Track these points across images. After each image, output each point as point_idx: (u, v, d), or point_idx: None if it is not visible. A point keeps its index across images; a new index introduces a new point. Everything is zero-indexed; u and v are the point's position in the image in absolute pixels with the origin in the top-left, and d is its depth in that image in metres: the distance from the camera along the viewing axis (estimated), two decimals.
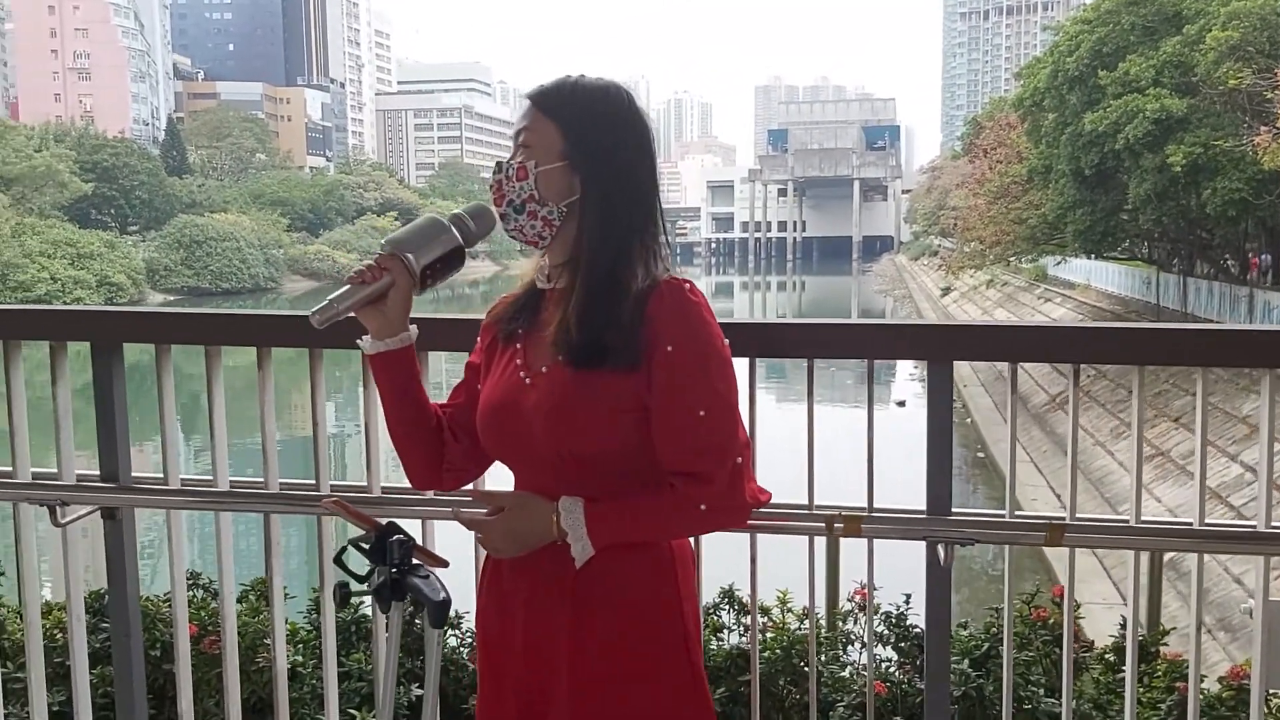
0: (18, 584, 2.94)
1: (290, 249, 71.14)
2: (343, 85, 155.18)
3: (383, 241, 1.92)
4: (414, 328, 1.97)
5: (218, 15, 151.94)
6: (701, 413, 1.78)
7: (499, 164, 1.88)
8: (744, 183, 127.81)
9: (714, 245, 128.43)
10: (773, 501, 2.31)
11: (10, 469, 2.70)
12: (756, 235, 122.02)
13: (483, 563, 2.01)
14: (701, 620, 2.00)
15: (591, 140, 1.82)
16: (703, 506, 1.81)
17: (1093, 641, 3.15)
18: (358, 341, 1.97)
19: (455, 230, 1.91)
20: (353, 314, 1.92)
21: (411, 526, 2.02)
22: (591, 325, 1.79)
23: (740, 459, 1.83)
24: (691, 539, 2.07)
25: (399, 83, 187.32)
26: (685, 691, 1.89)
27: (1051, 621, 3.07)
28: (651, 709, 1.86)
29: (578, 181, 1.83)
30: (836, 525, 2.31)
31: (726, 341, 1.85)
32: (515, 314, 1.94)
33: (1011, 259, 35.31)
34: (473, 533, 2.01)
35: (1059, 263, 36.11)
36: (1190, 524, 2.27)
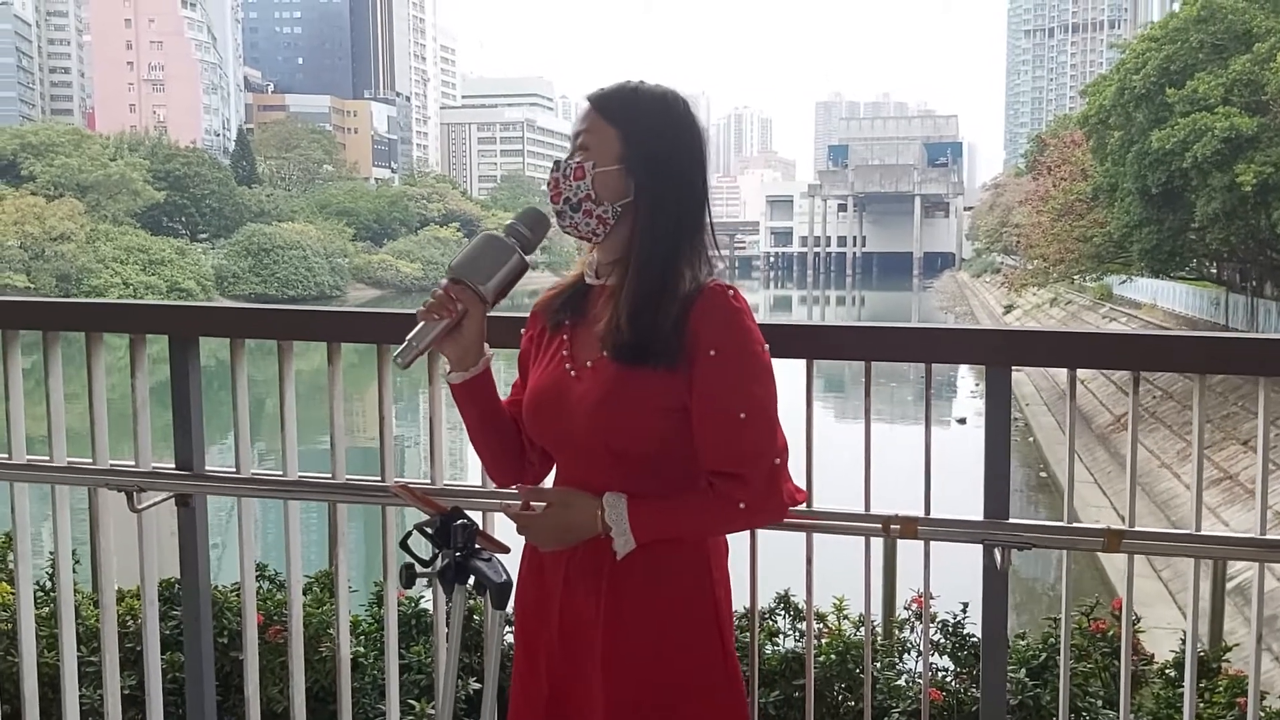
0: (92, 570, 3.03)
1: (355, 258, 72.25)
2: (408, 99, 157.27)
3: (449, 268, 1.95)
4: (488, 347, 2.02)
5: (288, 30, 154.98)
6: (741, 415, 1.83)
7: (557, 162, 1.93)
8: (804, 197, 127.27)
9: (772, 259, 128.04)
10: (830, 506, 2.35)
11: (89, 459, 2.80)
12: (816, 250, 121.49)
13: (524, 545, 2.07)
14: (752, 607, 2.04)
15: (648, 146, 1.88)
16: (742, 505, 1.86)
17: (1152, 655, 3.12)
18: (442, 376, 2.01)
19: (516, 244, 1.94)
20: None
21: (473, 519, 2.07)
22: (640, 324, 1.84)
23: (778, 460, 1.88)
24: (733, 536, 2.10)
25: (463, 97, 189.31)
26: (716, 671, 1.94)
27: (1110, 634, 3.04)
28: (682, 688, 1.92)
29: (632, 185, 1.88)
30: (893, 527, 2.32)
31: (767, 347, 1.90)
32: (563, 305, 2.00)
33: (1075, 277, 34.85)
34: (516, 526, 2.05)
35: (1124, 282, 35.56)
36: (1251, 535, 2.25)
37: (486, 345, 2.01)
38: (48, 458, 2.82)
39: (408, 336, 1.95)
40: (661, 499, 1.88)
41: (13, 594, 3.00)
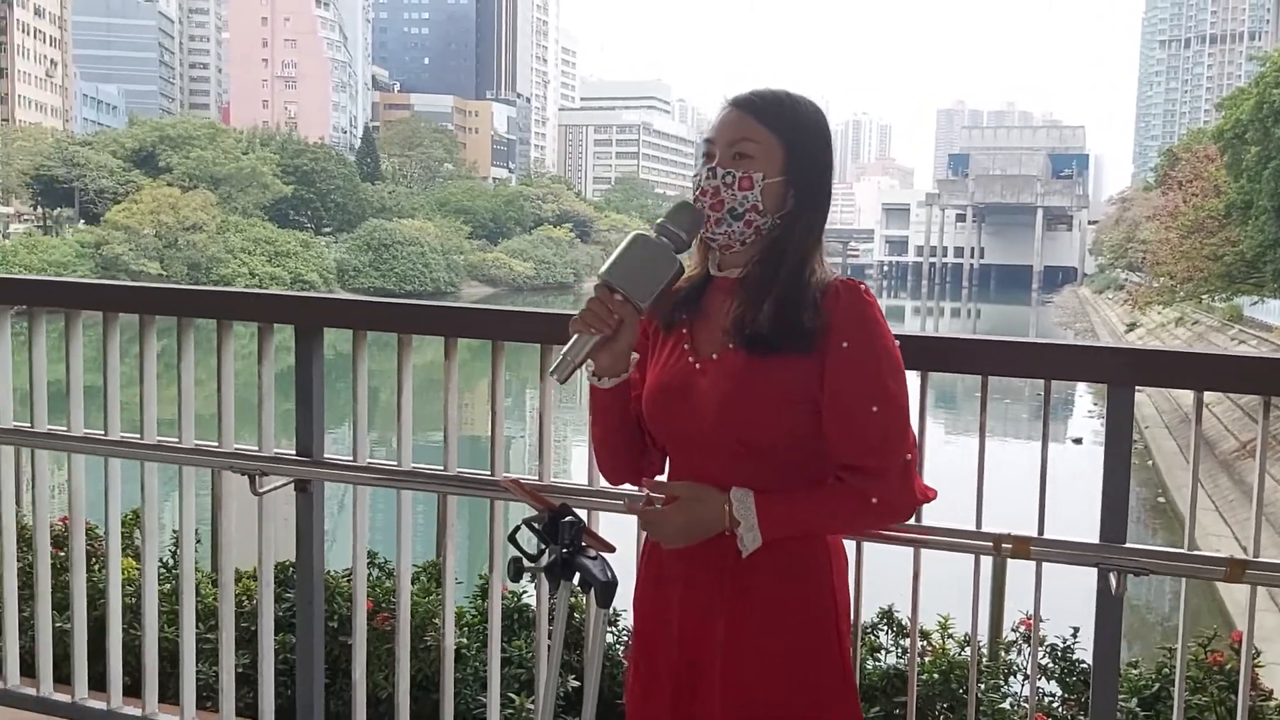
0: (212, 550, 3.14)
1: (470, 255, 73.49)
2: (528, 100, 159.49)
3: (603, 275, 1.86)
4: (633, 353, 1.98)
5: (415, 30, 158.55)
6: (874, 409, 1.82)
7: (712, 170, 1.88)
8: (921, 206, 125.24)
9: (886, 268, 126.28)
10: (938, 522, 2.31)
11: (214, 442, 2.91)
12: (931, 260, 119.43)
13: (643, 544, 2.07)
14: (852, 619, 2.04)
15: (808, 159, 1.89)
16: (874, 500, 1.84)
17: (1271, 690, 3.00)
18: (590, 380, 1.97)
19: (672, 247, 1.87)
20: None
21: (580, 516, 2.09)
22: (772, 316, 1.84)
23: (910, 456, 1.87)
24: (850, 543, 2.09)
25: (582, 99, 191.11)
26: (835, 678, 1.93)
27: (1228, 667, 2.93)
28: (802, 693, 1.90)
29: (791, 195, 1.89)
30: (1005, 545, 2.27)
31: (897, 343, 1.88)
32: (677, 304, 1.97)
33: (1204, 297, 33.68)
34: (639, 521, 2.05)
35: (1255, 303, 34.20)
36: None
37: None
38: (176, 439, 2.93)
39: (563, 351, 1.90)
40: (790, 494, 1.87)
41: (138, 570, 3.13)
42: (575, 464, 2.69)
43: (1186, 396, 2.40)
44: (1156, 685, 2.92)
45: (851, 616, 2.15)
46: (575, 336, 1.89)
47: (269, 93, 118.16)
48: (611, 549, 1.98)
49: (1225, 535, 16.41)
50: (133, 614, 3.16)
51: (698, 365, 1.92)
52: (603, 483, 2.55)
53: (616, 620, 3.40)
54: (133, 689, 3.12)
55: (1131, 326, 48.11)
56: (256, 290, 3.60)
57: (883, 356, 1.84)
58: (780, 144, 1.87)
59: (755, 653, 1.89)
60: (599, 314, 1.87)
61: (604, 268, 1.87)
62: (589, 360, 1.92)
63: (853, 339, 1.83)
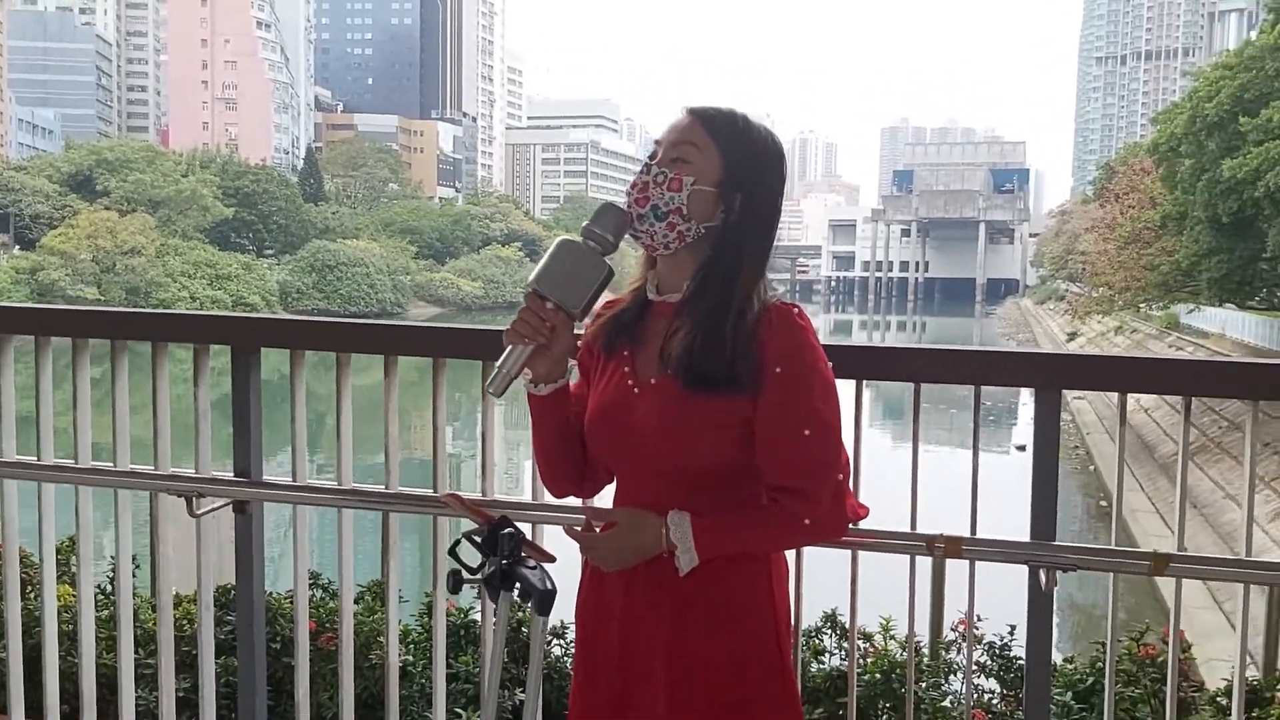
0: (151, 575, 3.11)
1: (417, 275, 73.09)
2: (474, 119, 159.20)
3: (533, 281, 1.86)
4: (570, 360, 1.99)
5: (359, 51, 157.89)
6: (806, 432, 1.83)
7: (648, 166, 1.89)
8: (867, 222, 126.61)
9: (834, 283, 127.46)
10: (878, 525, 2.36)
11: (151, 466, 2.88)
12: (878, 275, 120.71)
13: (584, 562, 2.07)
14: (793, 625, 2.07)
15: (747, 179, 1.88)
16: (807, 521, 1.86)
17: (1203, 682, 3.08)
18: (528, 388, 1.97)
19: (600, 250, 1.86)
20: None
21: (520, 528, 2.10)
22: (711, 354, 1.84)
23: (841, 476, 1.89)
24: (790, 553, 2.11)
25: (529, 118, 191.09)
26: (775, 687, 1.95)
27: (1160, 660, 3.01)
28: (742, 702, 1.92)
29: (721, 211, 1.88)
30: (938, 546, 2.32)
31: (830, 365, 1.90)
32: (620, 329, 1.97)
33: (1141, 305, 34.40)
34: (579, 546, 2.05)
35: (1191, 311, 34.97)
36: None
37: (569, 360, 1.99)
38: (111, 464, 2.90)
39: (497, 364, 1.90)
40: (725, 516, 1.88)
41: (74, 596, 3.09)
42: (527, 481, 2.70)
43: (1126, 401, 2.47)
44: (1091, 679, 2.98)
45: (792, 622, 2.18)
46: (509, 348, 1.89)
47: (209, 115, 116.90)
48: (551, 559, 2.00)
49: (1166, 535, 16.65)
50: (70, 641, 3.12)
51: (636, 389, 1.92)
52: (545, 497, 2.57)
53: (565, 633, 3.42)
54: (71, 716, 3.08)
55: (1072, 336, 48.93)
56: (191, 312, 3.58)
57: (815, 380, 1.85)
58: (720, 156, 1.87)
59: (696, 664, 1.91)
60: (532, 324, 1.87)
61: (532, 275, 1.87)
62: (525, 370, 1.92)
63: (785, 364, 1.84)
